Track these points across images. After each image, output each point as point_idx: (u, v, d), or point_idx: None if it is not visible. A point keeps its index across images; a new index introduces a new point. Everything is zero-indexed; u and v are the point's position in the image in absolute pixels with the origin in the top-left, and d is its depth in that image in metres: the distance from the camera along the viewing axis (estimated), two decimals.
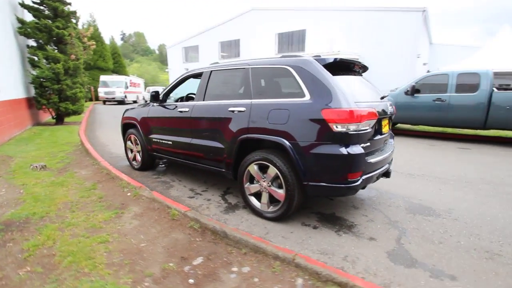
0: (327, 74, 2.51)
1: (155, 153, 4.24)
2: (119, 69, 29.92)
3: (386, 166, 2.91)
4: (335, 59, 2.62)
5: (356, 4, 16.12)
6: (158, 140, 4.03)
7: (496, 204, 3.23)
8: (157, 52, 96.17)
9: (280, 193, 2.68)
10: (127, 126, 4.77)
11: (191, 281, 1.90)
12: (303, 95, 2.53)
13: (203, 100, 3.40)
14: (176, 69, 26.95)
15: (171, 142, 3.81)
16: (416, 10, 14.06)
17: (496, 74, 6.26)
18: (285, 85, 2.76)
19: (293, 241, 2.44)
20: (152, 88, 23.55)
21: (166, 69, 29.37)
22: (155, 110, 4.07)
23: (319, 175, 2.44)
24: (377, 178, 2.76)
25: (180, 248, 2.30)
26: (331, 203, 3.24)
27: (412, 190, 3.67)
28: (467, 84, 6.23)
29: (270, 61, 2.88)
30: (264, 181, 2.80)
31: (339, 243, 2.42)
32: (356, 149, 2.36)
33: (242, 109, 2.89)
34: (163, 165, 4.96)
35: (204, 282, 1.89)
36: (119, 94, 20.34)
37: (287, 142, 2.51)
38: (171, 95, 4.26)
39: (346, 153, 2.32)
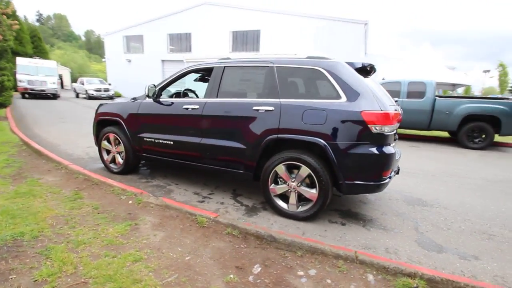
0: (360, 77, 2.64)
1: (145, 154, 3.77)
2: (40, 56, 25.31)
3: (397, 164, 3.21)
4: (363, 64, 2.77)
5: (308, 11, 17.12)
6: (153, 140, 3.60)
7: (466, 193, 3.88)
8: (83, 38, 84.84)
9: (313, 192, 2.70)
10: (102, 124, 4.13)
11: None
12: (338, 97, 2.60)
13: (217, 98, 3.18)
14: (115, 59, 24.24)
15: (171, 142, 3.45)
16: (359, 22, 15.73)
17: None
18: (316, 86, 2.79)
19: (331, 239, 2.50)
20: (86, 80, 20.73)
21: (103, 59, 26.12)
22: (149, 106, 3.62)
23: (356, 173, 2.56)
24: (394, 175, 3.03)
25: (229, 258, 2.12)
26: (341, 200, 3.42)
27: (398, 185, 4.12)
28: (416, 91, 7.30)
29: (299, 61, 2.87)
30: (293, 181, 2.79)
31: (372, 237, 2.58)
32: (390, 149, 2.56)
33: (270, 108, 2.81)
34: (146, 168, 4.46)
35: None
36: (51, 85, 16.13)
37: (325, 143, 2.55)
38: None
39: (383, 152, 2.50)
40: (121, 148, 3.93)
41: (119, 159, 4.03)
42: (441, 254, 2.33)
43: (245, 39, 19.55)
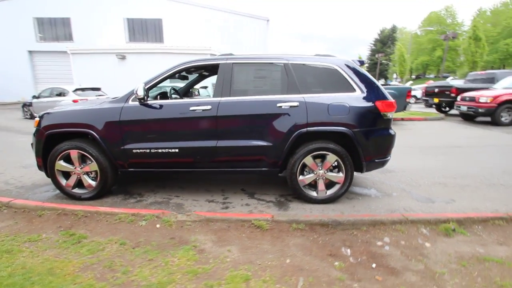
0: (366, 72, 3.11)
1: (132, 169, 3.16)
2: None
3: None
4: (362, 61, 3.25)
5: (215, 3, 17.00)
6: (147, 151, 3.05)
7: (404, 158, 5.11)
8: None
9: (340, 176, 3.04)
10: (54, 139, 3.14)
11: (373, 265, 2.02)
12: (353, 90, 3.00)
13: (230, 96, 3.00)
14: None
15: (176, 150, 3.03)
16: (262, 19, 16.89)
17: None
18: (332, 81, 3.06)
19: (365, 211, 2.93)
20: None
21: None
22: (137, 111, 3.02)
23: (373, 153, 3.05)
24: None
25: (316, 250, 2.21)
26: None
27: None
28: None
29: (313, 59, 3.08)
30: (320, 170, 3.04)
31: (387, 202, 3.17)
32: (393, 131, 3.17)
33: (295, 104, 2.93)
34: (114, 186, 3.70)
35: (380, 261, 2.06)
36: None
37: (351, 131, 2.91)
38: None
39: (391, 134, 3.09)
40: (93, 166, 3.12)
41: (89, 181, 3.20)
42: (434, 204, 3.14)
43: (145, 28, 17.66)
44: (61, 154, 3.10)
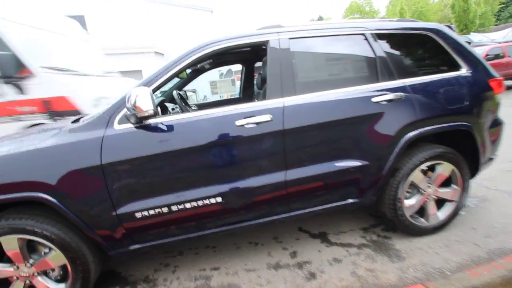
0: (464, 41, 2.24)
1: (138, 246, 1.75)
2: None
3: None
4: (450, 26, 2.37)
5: None
6: (164, 210, 1.67)
7: None
8: None
9: (454, 190, 2.15)
10: None
11: None
12: (459, 67, 2.11)
13: (295, 95, 1.81)
14: None
15: (220, 198, 1.73)
16: (206, 10, 15.32)
17: None
18: (429, 55, 2.14)
19: (494, 233, 2.11)
20: None
21: None
22: (135, 141, 1.62)
23: (489, 149, 2.22)
24: None
25: None
26: None
27: None
28: None
29: (400, 25, 2.09)
30: (429, 187, 2.10)
31: (500, 211, 2.40)
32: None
33: (396, 95, 1.90)
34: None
35: None
36: None
37: (471, 125, 2.03)
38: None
39: (503, 122, 2.29)
40: (56, 257, 1.63)
41: (52, 286, 1.67)
42: None
43: None
44: None
